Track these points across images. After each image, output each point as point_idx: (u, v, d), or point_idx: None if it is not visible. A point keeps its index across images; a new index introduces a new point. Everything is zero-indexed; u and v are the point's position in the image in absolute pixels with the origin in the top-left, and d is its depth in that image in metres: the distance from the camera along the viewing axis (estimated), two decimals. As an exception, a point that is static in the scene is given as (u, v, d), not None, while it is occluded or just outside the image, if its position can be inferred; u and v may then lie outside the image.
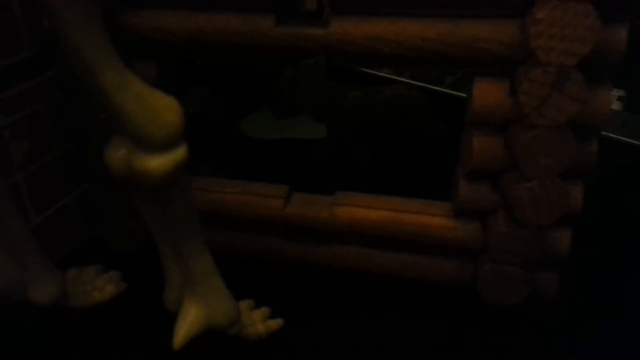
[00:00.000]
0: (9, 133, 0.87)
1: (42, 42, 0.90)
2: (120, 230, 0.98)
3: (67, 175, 0.99)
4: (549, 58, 0.65)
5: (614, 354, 0.79)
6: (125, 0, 0.82)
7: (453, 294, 0.89)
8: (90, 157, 0.90)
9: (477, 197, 0.82)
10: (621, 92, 1.34)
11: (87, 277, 0.89)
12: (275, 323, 0.82)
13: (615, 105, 1.33)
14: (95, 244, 1.01)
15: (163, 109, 0.53)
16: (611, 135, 1.20)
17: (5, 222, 0.75)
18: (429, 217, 0.87)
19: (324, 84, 1.13)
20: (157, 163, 0.53)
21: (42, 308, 0.80)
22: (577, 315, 0.86)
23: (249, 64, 1.37)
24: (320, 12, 0.85)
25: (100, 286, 0.88)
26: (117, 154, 0.56)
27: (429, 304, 0.88)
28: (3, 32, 0.84)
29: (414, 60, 0.76)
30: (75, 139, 0.96)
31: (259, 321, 0.81)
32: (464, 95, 0.83)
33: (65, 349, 0.81)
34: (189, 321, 0.69)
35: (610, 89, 0.72)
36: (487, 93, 0.75)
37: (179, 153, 0.54)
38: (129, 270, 0.93)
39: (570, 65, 0.65)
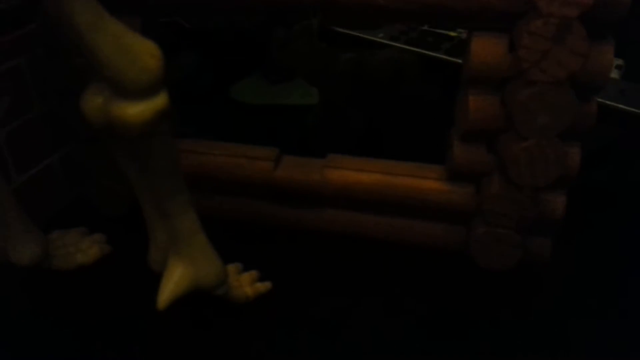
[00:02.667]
0: (-12, 89, 0.83)
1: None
2: (106, 193, 0.96)
3: (51, 134, 0.96)
4: (550, 9, 0.63)
5: (607, 321, 0.78)
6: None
7: (446, 258, 0.87)
8: (73, 116, 0.87)
9: (472, 159, 0.80)
10: (619, 61, 1.33)
11: (70, 239, 0.86)
12: (264, 286, 0.80)
13: (614, 74, 1.31)
14: (80, 206, 0.99)
15: (143, 53, 0.50)
16: (609, 103, 1.18)
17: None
18: (422, 180, 0.85)
19: (316, 45, 1.10)
20: (136, 110, 0.50)
21: (23, 269, 0.78)
22: (571, 281, 0.84)
23: (239, 23, 1.33)
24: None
25: (84, 248, 0.86)
26: (94, 103, 0.53)
27: (421, 267, 0.86)
28: (-21, -19, 0.81)
29: (411, 14, 0.73)
30: (58, 96, 0.93)
31: (246, 284, 0.79)
32: (460, 61, 0.80)
33: (47, 310, 0.79)
34: (173, 281, 0.67)
35: (613, 46, 0.70)
36: (486, 49, 0.72)
37: (159, 100, 0.51)
38: (114, 233, 0.91)
39: (573, 16, 0.63)
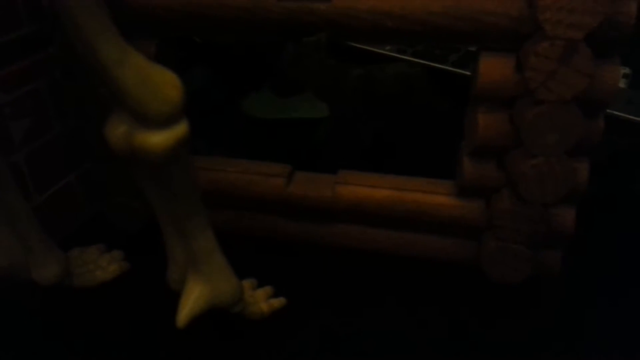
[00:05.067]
0: (9, 111, 0.86)
1: (41, 19, 0.89)
2: (123, 210, 0.98)
3: (69, 153, 0.98)
4: (556, 31, 0.64)
5: (618, 333, 0.79)
6: (124, -25, 0.81)
7: (457, 273, 0.88)
8: (91, 135, 0.89)
9: (482, 175, 0.81)
10: (627, 70, 1.33)
11: (90, 257, 0.89)
12: (278, 302, 0.82)
13: (621, 83, 1.32)
14: (98, 223, 1.01)
15: (164, 85, 0.52)
16: (616, 113, 1.19)
17: (6, 201, 0.75)
18: (432, 196, 0.87)
19: (326, 61, 1.11)
20: (158, 139, 0.53)
21: (45, 288, 0.80)
22: (581, 294, 0.85)
23: (252, 41, 1.35)
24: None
25: (103, 265, 0.88)
26: (117, 131, 0.55)
27: (433, 282, 0.88)
28: (1, 8, 0.83)
29: (419, 34, 0.74)
30: (76, 117, 0.95)
31: (261, 300, 0.81)
32: (468, 73, 0.82)
33: (69, 328, 0.81)
34: (192, 299, 0.69)
35: (619, 64, 0.71)
36: (493, 68, 0.73)
37: (180, 129, 0.54)
38: (132, 249, 0.93)
39: (579, 38, 0.64)
